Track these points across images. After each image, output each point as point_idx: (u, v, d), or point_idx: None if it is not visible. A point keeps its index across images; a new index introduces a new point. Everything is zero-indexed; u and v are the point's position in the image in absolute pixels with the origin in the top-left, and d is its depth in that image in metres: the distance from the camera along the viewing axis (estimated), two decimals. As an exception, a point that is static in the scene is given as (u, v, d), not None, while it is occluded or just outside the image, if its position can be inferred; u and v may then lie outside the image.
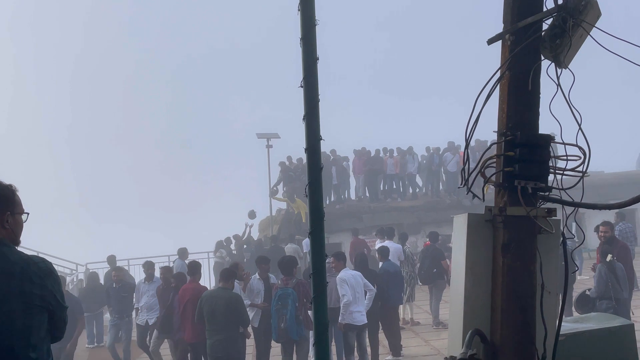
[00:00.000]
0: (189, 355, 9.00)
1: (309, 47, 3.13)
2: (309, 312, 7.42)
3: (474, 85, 2.80)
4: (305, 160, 3.28)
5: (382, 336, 10.33)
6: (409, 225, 20.35)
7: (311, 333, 6.60)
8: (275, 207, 21.69)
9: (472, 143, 14.14)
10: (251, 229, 19.62)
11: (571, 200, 2.79)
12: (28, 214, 3.08)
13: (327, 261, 8.88)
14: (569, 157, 2.75)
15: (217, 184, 53.18)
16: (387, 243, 12.52)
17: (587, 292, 8.47)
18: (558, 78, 2.79)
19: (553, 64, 2.84)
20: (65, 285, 14.50)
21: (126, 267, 17.03)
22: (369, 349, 9.43)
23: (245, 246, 18.74)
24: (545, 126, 2.88)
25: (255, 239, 20.05)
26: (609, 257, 8.35)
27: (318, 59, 3.15)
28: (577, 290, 8.89)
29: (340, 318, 8.70)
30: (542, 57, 2.81)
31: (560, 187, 2.80)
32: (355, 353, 8.96)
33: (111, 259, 14.81)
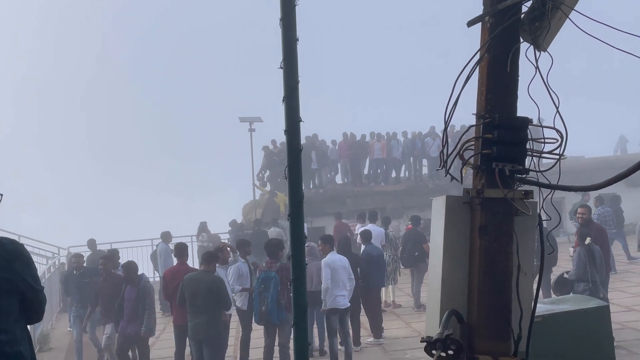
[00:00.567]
0: (136, 351, 8.75)
1: (289, 28, 3.11)
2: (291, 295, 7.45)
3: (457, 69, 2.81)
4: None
5: (363, 318, 10.42)
6: (392, 210, 20.47)
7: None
8: (258, 192, 21.68)
9: (457, 128, 14.29)
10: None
11: (548, 182, 2.82)
12: (2, 195, 2.99)
13: (310, 245, 9.03)
14: (546, 140, 2.77)
15: (201, 168, 52.91)
16: (370, 227, 12.59)
17: (566, 275, 8.59)
18: (537, 61, 2.80)
19: (532, 46, 2.84)
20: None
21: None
22: (351, 332, 9.50)
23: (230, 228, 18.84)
24: (524, 109, 2.89)
25: (239, 222, 20.05)
26: (587, 240, 8.47)
27: (298, 39, 3.12)
28: (555, 272, 9.01)
29: (323, 304, 8.75)
30: (522, 40, 2.82)
31: (538, 169, 2.82)
32: (338, 336, 9.02)
33: (91, 243, 14.61)
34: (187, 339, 8.39)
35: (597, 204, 15.40)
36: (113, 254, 11.00)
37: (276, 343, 8.55)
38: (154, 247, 16.72)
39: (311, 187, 21.56)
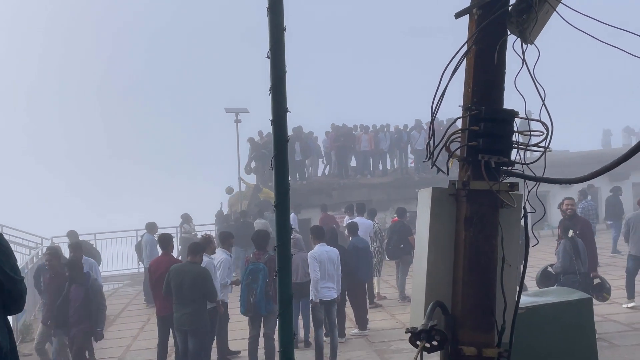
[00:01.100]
0: (87, 353, 8.25)
1: (275, 17, 3.08)
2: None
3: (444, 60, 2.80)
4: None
5: (349, 310, 10.45)
6: (378, 202, 20.52)
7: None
8: (244, 184, 21.61)
9: (444, 122, 14.33)
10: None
11: (533, 175, 2.83)
12: None
13: (295, 236, 9.01)
14: (532, 133, 2.78)
15: (186, 159, 52.69)
16: (357, 219, 12.62)
17: (550, 269, 8.65)
18: (524, 53, 2.80)
19: (519, 39, 2.85)
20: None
21: (92, 242, 16.77)
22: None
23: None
24: (510, 102, 2.90)
25: (225, 214, 20.00)
26: (570, 233, 8.55)
27: (285, 29, 3.09)
28: (538, 265, 9.08)
29: (311, 295, 8.76)
30: (509, 32, 2.82)
31: (523, 162, 2.83)
32: (324, 327, 9.04)
33: (71, 234, 13.73)
34: (170, 330, 8.36)
35: (581, 198, 15.56)
36: (57, 249, 10.06)
37: (261, 334, 8.55)
38: (139, 238, 16.61)
39: (297, 179, 21.53)
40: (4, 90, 68.14)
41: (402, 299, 12.45)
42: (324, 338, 8.97)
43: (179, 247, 17.02)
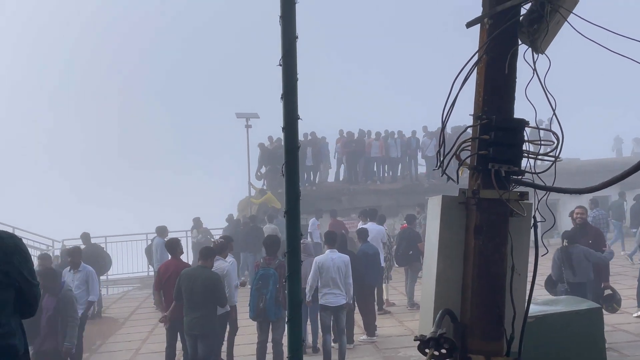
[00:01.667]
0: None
1: (288, 25, 3.11)
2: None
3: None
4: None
5: (357, 316, 10.44)
6: (387, 208, 20.48)
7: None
8: (253, 189, 21.67)
9: (449, 131, 14.30)
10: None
11: (543, 184, 2.83)
12: None
13: (305, 242, 9.00)
14: (542, 142, 2.78)
15: (197, 163, 52.89)
16: (369, 225, 12.58)
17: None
18: (534, 63, 2.81)
19: (530, 49, 2.86)
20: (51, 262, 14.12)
21: (103, 245, 16.88)
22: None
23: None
24: (520, 111, 2.91)
25: (235, 218, 20.04)
26: (564, 242, 8.67)
27: (297, 37, 3.13)
28: (547, 274, 9.06)
29: (306, 298, 8.79)
30: (520, 42, 2.83)
31: (534, 171, 2.84)
32: (332, 333, 9.03)
33: (85, 236, 14.44)
34: (179, 334, 8.39)
35: (592, 207, 15.46)
36: (47, 257, 9.97)
37: (269, 339, 8.56)
38: (149, 242, 16.69)
39: (306, 184, 21.56)
40: (20, 97, 68.82)
41: (410, 306, 12.42)
42: (332, 344, 8.96)
43: (189, 252, 17.10)
